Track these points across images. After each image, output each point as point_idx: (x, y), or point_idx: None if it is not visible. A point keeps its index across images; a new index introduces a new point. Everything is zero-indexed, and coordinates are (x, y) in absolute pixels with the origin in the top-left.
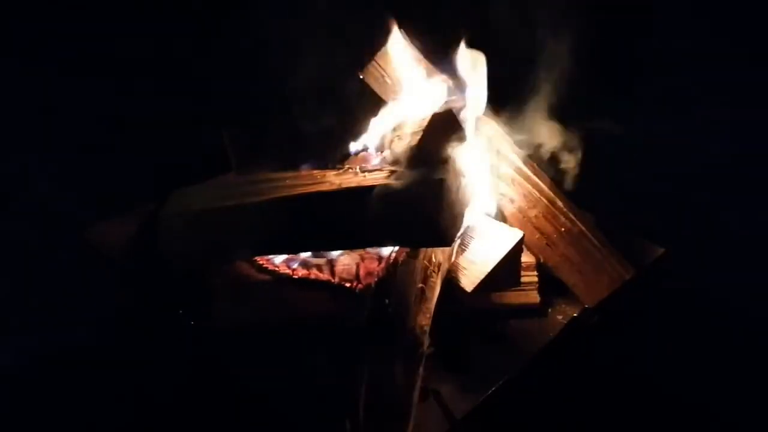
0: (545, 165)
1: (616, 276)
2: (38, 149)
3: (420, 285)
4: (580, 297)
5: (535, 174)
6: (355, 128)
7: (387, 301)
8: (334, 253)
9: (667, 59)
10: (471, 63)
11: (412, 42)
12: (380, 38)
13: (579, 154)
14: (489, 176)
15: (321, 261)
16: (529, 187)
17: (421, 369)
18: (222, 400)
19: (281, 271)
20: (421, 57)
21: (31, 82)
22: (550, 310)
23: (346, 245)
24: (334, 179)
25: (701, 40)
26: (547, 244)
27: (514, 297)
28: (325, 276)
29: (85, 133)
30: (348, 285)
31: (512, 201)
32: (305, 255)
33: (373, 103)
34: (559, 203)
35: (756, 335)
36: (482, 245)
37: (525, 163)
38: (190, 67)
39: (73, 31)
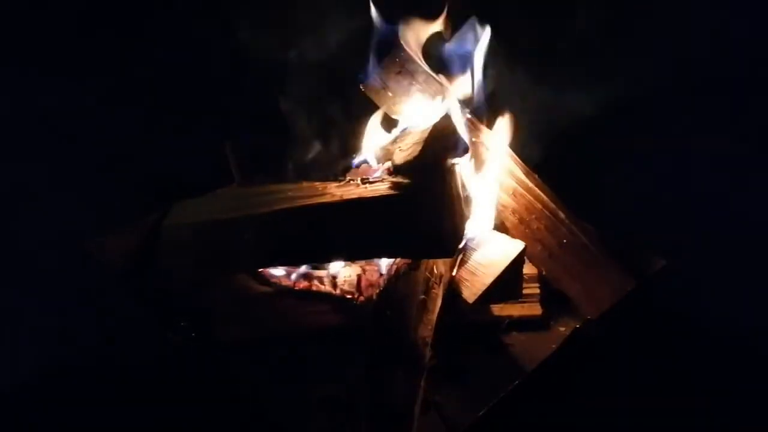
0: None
1: (618, 287)
2: (40, 159)
3: (422, 296)
4: (582, 308)
5: (537, 185)
6: (356, 140)
7: (388, 312)
8: (336, 265)
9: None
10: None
11: (414, 51)
12: (381, 49)
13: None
14: (491, 187)
15: (322, 273)
16: (531, 198)
17: (423, 381)
18: (224, 411)
19: (282, 283)
20: (422, 67)
21: (32, 89)
22: (552, 321)
23: (348, 257)
24: (336, 191)
25: None
26: (548, 255)
27: (516, 308)
28: (326, 288)
29: (88, 143)
30: (349, 297)
31: (514, 212)
32: (306, 267)
33: (374, 115)
34: (561, 215)
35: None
36: (484, 257)
37: (527, 174)
38: (191, 75)
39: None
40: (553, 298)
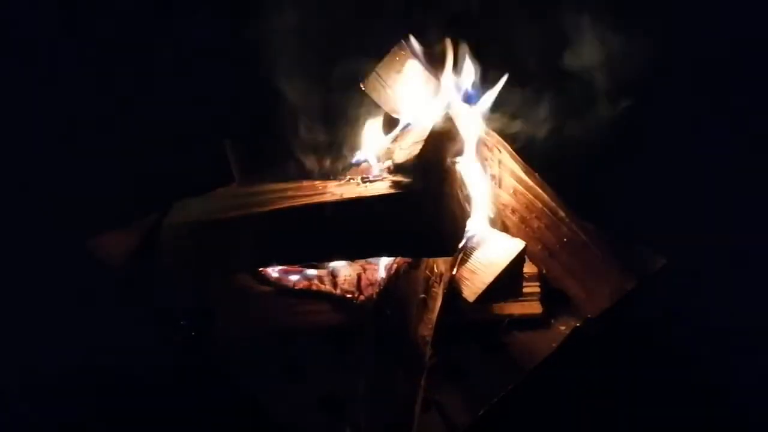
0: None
1: (618, 286)
2: (40, 159)
3: (422, 295)
4: (582, 307)
5: (537, 184)
6: (357, 139)
7: (388, 311)
8: (336, 264)
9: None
10: (473, 72)
11: (414, 51)
12: (382, 48)
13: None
14: (490, 186)
15: (322, 272)
16: (531, 197)
17: (423, 380)
18: (223, 410)
19: (282, 283)
20: (423, 67)
21: (33, 89)
22: (552, 320)
23: (348, 256)
24: (336, 190)
25: None
26: (548, 254)
27: (516, 307)
28: (326, 287)
29: (88, 143)
30: (349, 296)
31: (514, 211)
32: (306, 266)
33: (374, 113)
34: (561, 213)
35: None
36: (484, 255)
37: (526, 173)
38: (191, 76)
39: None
40: (553, 296)
